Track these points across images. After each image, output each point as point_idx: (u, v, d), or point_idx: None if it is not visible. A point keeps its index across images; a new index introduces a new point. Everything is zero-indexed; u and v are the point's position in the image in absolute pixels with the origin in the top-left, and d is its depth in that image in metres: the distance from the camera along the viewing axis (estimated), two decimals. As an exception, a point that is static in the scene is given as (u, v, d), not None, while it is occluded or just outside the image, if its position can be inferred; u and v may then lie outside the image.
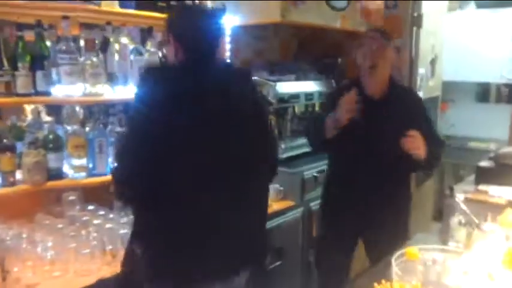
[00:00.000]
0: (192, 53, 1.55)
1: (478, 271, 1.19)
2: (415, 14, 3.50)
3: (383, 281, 1.21)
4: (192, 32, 1.56)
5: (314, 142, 2.38)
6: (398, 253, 1.48)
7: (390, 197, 2.19)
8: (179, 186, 1.47)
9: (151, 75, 1.54)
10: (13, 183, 1.95)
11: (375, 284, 1.18)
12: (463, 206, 1.76)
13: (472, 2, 4.74)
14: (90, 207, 2.09)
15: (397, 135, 2.01)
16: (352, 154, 2.19)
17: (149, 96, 1.48)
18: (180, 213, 1.47)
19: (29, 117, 2.35)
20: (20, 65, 1.95)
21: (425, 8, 3.55)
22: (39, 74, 2.00)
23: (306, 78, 3.10)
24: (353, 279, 2.43)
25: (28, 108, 2.38)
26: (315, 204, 2.86)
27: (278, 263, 2.62)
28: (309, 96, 2.98)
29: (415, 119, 2.15)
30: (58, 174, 2.07)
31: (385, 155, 2.08)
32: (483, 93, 5.00)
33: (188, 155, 1.46)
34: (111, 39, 2.20)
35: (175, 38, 1.55)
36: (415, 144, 2.01)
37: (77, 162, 2.11)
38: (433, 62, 3.87)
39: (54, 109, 2.39)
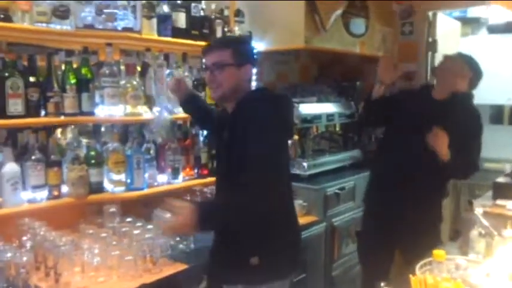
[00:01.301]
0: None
1: (500, 273, 1.29)
2: (430, 40, 3.67)
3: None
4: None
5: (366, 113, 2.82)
6: (422, 262, 1.59)
7: (421, 206, 2.44)
8: (286, 199, 1.87)
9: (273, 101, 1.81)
10: (58, 196, 2.11)
11: (410, 276, 1.28)
12: (482, 219, 1.86)
13: (484, 27, 4.89)
14: (129, 219, 2.21)
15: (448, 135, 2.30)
16: (400, 144, 2.53)
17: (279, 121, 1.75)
18: (287, 222, 1.87)
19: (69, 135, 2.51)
20: (67, 87, 2.12)
21: (440, 33, 3.71)
22: (84, 95, 2.17)
23: (326, 100, 3.26)
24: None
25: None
26: (336, 220, 2.98)
27: (302, 276, 2.71)
28: (330, 117, 3.13)
29: (467, 130, 2.42)
30: (99, 188, 2.22)
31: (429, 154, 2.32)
32: (497, 115, 5.09)
33: (287, 172, 1.86)
34: (150, 64, 2.37)
35: (251, 65, 1.83)
36: (438, 141, 2.29)
37: (116, 177, 2.26)
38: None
39: (85, 130, 2.53)
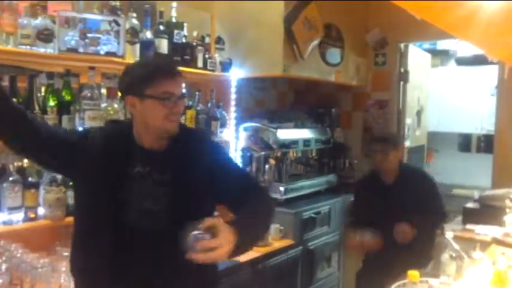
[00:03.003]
0: None
1: (469, 293, 1.36)
2: (402, 70, 3.83)
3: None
4: None
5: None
6: (396, 284, 1.64)
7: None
8: None
9: None
10: (35, 218, 2.08)
11: None
12: (453, 243, 1.94)
13: (453, 59, 5.13)
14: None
15: (408, 210, 2.55)
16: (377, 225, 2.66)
17: None
18: None
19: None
20: (48, 109, 2.13)
21: (411, 64, 3.88)
22: (65, 117, 2.18)
23: (303, 126, 3.34)
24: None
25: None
26: (312, 244, 3.02)
27: (278, 301, 2.73)
28: (306, 142, 3.21)
29: (421, 195, 2.66)
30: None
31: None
32: (465, 143, 5.29)
33: None
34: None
35: None
36: (404, 237, 2.52)
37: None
38: (418, 114, 4.16)
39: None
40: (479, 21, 1.30)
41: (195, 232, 1.24)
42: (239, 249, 1.32)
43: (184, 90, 1.69)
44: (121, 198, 1.48)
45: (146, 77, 1.48)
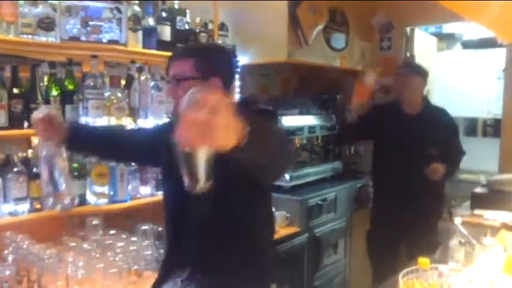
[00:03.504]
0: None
1: (481, 279, 1.34)
2: (408, 54, 3.77)
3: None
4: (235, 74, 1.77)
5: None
6: (404, 271, 1.63)
7: (422, 204, 2.71)
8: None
9: None
10: (40, 209, 2.07)
11: (400, 279, 1.32)
12: (461, 228, 1.92)
13: (459, 42, 5.06)
14: (112, 232, 2.20)
15: (429, 146, 2.65)
16: (391, 162, 2.79)
17: None
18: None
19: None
20: (51, 98, 2.11)
21: (417, 48, 3.82)
22: (68, 107, 2.16)
23: (308, 113, 3.31)
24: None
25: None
26: (318, 231, 3.01)
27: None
28: (312, 129, 3.18)
29: (443, 132, 2.76)
30: (82, 201, 2.19)
31: (418, 162, 2.64)
32: (471, 127, 5.25)
33: None
34: (135, 77, 2.38)
35: (221, 78, 1.50)
36: (435, 174, 2.59)
37: (99, 189, 2.24)
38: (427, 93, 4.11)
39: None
40: (493, 2, 1.26)
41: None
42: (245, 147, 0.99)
43: (184, 73, 1.48)
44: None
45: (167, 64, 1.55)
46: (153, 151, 1.69)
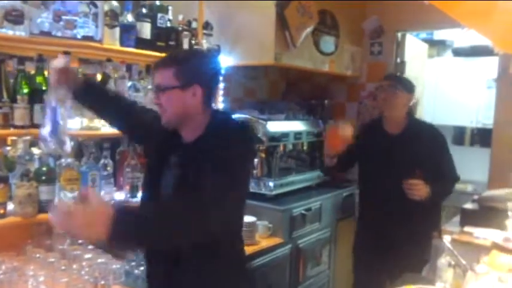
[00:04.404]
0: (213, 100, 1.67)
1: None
2: (399, 60, 3.68)
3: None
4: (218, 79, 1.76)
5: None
6: (390, 292, 1.52)
7: (409, 221, 2.50)
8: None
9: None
10: (4, 215, 1.93)
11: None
12: (451, 247, 1.82)
13: (449, 49, 5.00)
14: (80, 241, 2.06)
15: (412, 167, 2.42)
16: (375, 184, 2.61)
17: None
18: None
19: (19, 148, 2.33)
20: (18, 97, 1.96)
21: (408, 54, 3.73)
22: (37, 107, 2.01)
23: (294, 118, 3.19)
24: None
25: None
26: (302, 242, 2.89)
27: (266, 301, 2.61)
28: (297, 135, 3.06)
29: (431, 152, 2.50)
30: (49, 207, 2.06)
31: (400, 182, 2.41)
32: (459, 136, 5.20)
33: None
34: (111, 76, 2.24)
35: (200, 85, 1.53)
36: (415, 191, 2.37)
37: (69, 195, 2.11)
38: (414, 105, 4.03)
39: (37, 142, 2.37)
40: (497, 11, 1.16)
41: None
42: (117, 230, 1.18)
43: (164, 83, 1.53)
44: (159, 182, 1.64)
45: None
46: (146, 138, 1.87)
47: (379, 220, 2.60)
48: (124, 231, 1.22)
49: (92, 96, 1.89)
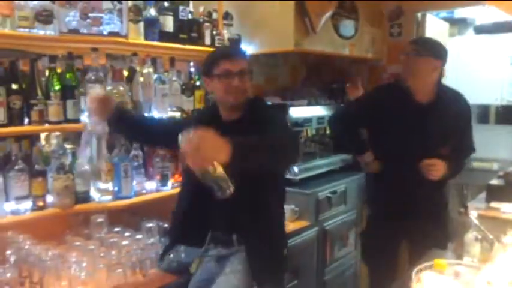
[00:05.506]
0: None
1: (501, 281, 1.27)
2: (419, 40, 3.64)
3: None
4: None
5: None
6: (417, 268, 1.56)
7: (430, 198, 2.36)
8: None
9: None
10: (43, 207, 2.03)
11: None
12: (477, 223, 1.84)
13: (471, 27, 4.91)
14: (117, 229, 2.15)
15: (442, 142, 2.30)
16: (397, 157, 2.33)
17: None
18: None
19: (53, 143, 2.43)
20: (51, 94, 2.05)
21: (428, 34, 3.70)
22: (69, 102, 2.10)
23: (316, 103, 3.22)
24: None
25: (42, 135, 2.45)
26: (328, 224, 2.94)
27: (294, 283, 2.67)
28: (320, 120, 3.10)
29: (458, 124, 2.36)
30: (85, 198, 2.15)
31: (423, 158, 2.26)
32: (484, 114, 5.12)
33: None
34: (137, 69, 2.31)
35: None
36: (433, 172, 2.25)
37: (103, 185, 2.20)
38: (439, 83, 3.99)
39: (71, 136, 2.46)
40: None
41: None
42: (238, 153, 1.39)
43: (243, 68, 1.84)
44: None
45: (211, 59, 1.88)
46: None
47: (399, 203, 2.37)
48: (243, 153, 1.42)
49: (124, 122, 2.08)
